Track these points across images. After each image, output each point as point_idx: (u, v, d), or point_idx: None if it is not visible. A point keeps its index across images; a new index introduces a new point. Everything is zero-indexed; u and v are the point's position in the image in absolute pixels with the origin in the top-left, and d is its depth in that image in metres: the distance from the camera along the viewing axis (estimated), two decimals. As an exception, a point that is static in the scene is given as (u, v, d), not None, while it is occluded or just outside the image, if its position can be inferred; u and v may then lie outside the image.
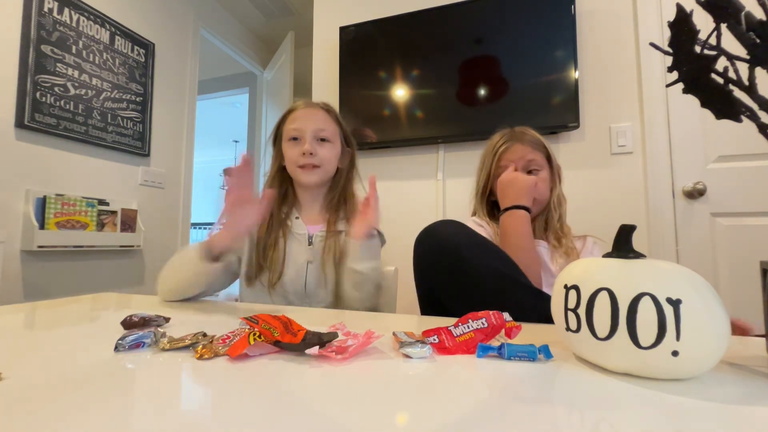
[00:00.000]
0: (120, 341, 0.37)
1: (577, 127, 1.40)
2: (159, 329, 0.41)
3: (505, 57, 1.49)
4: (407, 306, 1.27)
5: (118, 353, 0.36)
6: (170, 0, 2.20)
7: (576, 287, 0.34)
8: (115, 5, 1.88)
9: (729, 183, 1.28)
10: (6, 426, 0.22)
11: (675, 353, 0.29)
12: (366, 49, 1.70)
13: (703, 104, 0.37)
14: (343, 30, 1.74)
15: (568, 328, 0.35)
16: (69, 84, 1.64)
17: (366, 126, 1.66)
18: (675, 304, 0.29)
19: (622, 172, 1.39)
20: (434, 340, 0.39)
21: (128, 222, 1.84)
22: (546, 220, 0.91)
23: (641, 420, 0.24)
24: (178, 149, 2.24)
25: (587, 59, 1.44)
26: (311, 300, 0.79)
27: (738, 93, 0.35)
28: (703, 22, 0.34)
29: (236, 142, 6.21)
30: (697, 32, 0.35)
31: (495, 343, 0.38)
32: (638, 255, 0.35)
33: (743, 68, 0.34)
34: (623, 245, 0.36)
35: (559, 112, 1.41)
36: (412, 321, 0.56)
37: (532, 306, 0.56)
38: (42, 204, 1.51)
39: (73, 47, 1.67)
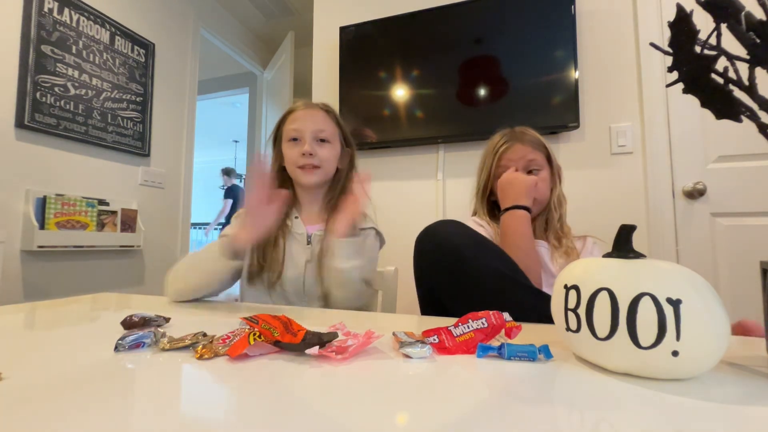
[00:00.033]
0: (120, 341, 0.37)
1: (577, 127, 1.40)
2: (159, 329, 0.41)
3: (505, 57, 1.49)
4: (407, 306, 1.27)
5: (118, 353, 0.36)
6: (170, 0, 2.20)
7: (576, 287, 0.34)
8: (115, 5, 1.88)
9: (729, 183, 1.28)
10: (6, 426, 0.22)
11: (675, 353, 0.29)
12: (366, 49, 1.70)
13: (703, 104, 0.37)
14: (343, 30, 1.74)
15: (568, 328, 0.35)
16: (69, 84, 1.64)
17: (366, 126, 1.66)
18: (675, 304, 0.29)
19: (622, 172, 1.39)
20: (434, 340, 0.39)
21: (128, 222, 1.84)
22: (546, 220, 0.91)
23: (641, 420, 0.24)
24: (178, 149, 2.24)
25: (587, 59, 1.44)
26: (310, 299, 0.79)
27: (738, 93, 0.35)
28: (703, 22, 0.34)
29: (236, 142, 6.22)
30: (697, 32, 0.35)
31: (495, 343, 0.38)
32: (638, 255, 0.35)
33: (743, 68, 0.34)
34: (623, 245, 0.36)
35: (559, 112, 1.41)
36: (412, 321, 0.56)
37: (532, 306, 0.56)
38: (42, 204, 1.51)
39: (73, 47, 1.67)
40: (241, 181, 5.43)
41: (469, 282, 0.62)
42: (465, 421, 0.24)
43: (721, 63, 0.33)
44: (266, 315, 0.42)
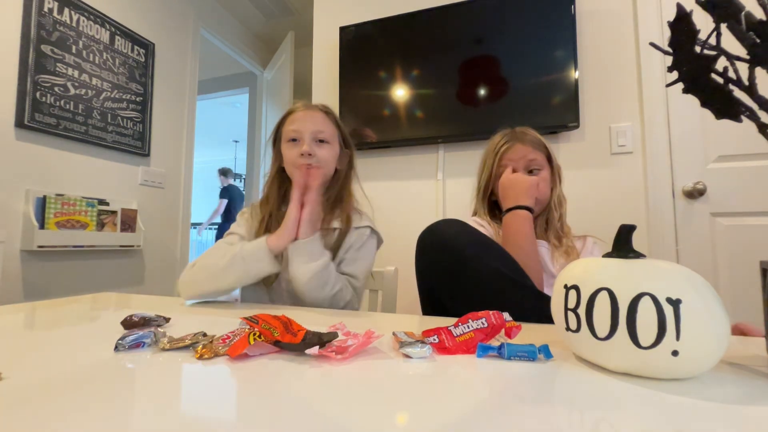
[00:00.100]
0: (120, 341, 0.37)
1: (577, 127, 1.40)
2: (159, 329, 0.41)
3: (505, 57, 1.49)
4: (407, 306, 1.27)
5: (118, 353, 0.36)
6: (170, 0, 2.20)
7: (576, 287, 0.34)
8: (115, 5, 1.88)
9: (729, 183, 1.28)
10: (6, 426, 0.22)
11: (675, 353, 0.29)
12: (366, 49, 1.70)
13: (703, 104, 0.37)
14: (343, 30, 1.74)
15: (568, 328, 0.35)
16: (69, 84, 1.64)
17: (366, 126, 1.66)
18: (675, 304, 0.29)
19: (622, 172, 1.39)
20: (434, 340, 0.39)
21: (128, 222, 1.84)
22: (547, 220, 0.91)
23: (641, 420, 0.24)
24: (178, 149, 2.24)
25: (587, 59, 1.44)
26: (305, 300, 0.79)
27: (738, 93, 0.35)
28: (703, 22, 0.34)
29: (236, 142, 6.22)
30: (697, 32, 0.35)
31: (495, 343, 0.38)
32: (638, 255, 0.35)
33: (743, 68, 0.34)
34: (623, 245, 0.36)
35: (559, 112, 1.41)
36: (412, 321, 0.56)
37: (533, 307, 0.56)
38: (42, 204, 1.51)
39: (73, 47, 1.67)
40: (241, 181, 5.43)
41: (470, 282, 0.62)
42: (465, 421, 0.24)
43: (721, 63, 0.33)
44: (266, 315, 0.42)
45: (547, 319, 0.44)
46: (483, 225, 0.90)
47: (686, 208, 1.32)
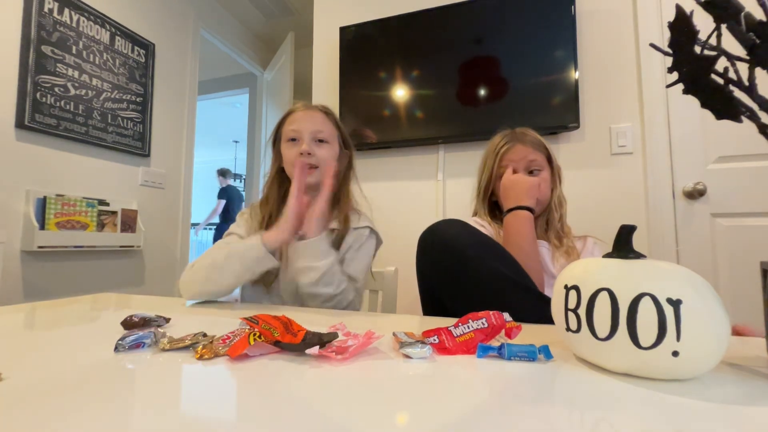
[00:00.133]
0: (120, 341, 0.37)
1: (577, 127, 1.40)
2: (159, 329, 0.41)
3: (505, 57, 1.49)
4: (407, 306, 1.27)
5: (118, 353, 0.36)
6: (170, 0, 2.20)
7: (576, 287, 0.34)
8: (115, 5, 1.88)
9: (729, 183, 1.28)
10: (6, 426, 0.22)
11: (675, 353, 0.29)
12: (366, 49, 1.70)
13: (703, 105, 0.37)
14: (344, 30, 1.74)
15: (568, 329, 0.35)
16: (69, 84, 1.64)
17: (366, 126, 1.66)
18: (675, 304, 0.29)
19: (622, 173, 1.39)
20: (434, 340, 0.39)
21: (128, 222, 1.84)
22: (547, 220, 0.91)
23: (641, 420, 0.24)
24: (178, 149, 2.24)
25: (587, 59, 1.44)
26: (304, 301, 0.79)
27: (738, 93, 0.35)
28: (703, 22, 0.34)
29: (236, 142, 6.22)
30: (697, 33, 0.35)
31: (495, 343, 0.38)
32: (638, 255, 0.35)
33: (743, 68, 0.34)
34: (623, 245, 0.36)
35: (559, 112, 1.41)
36: (412, 321, 0.56)
37: (533, 308, 0.56)
38: (42, 204, 1.51)
39: (74, 48, 1.67)
40: (241, 182, 5.43)
41: (470, 282, 0.62)
42: (465, 421, 0.24)
43: (721, 63, 0.33)
44: (266, 315, 0.42)
45: (548, 319, 0.44)
46: (483, 225, 0.90)
47: (686, 209, 1.32)
